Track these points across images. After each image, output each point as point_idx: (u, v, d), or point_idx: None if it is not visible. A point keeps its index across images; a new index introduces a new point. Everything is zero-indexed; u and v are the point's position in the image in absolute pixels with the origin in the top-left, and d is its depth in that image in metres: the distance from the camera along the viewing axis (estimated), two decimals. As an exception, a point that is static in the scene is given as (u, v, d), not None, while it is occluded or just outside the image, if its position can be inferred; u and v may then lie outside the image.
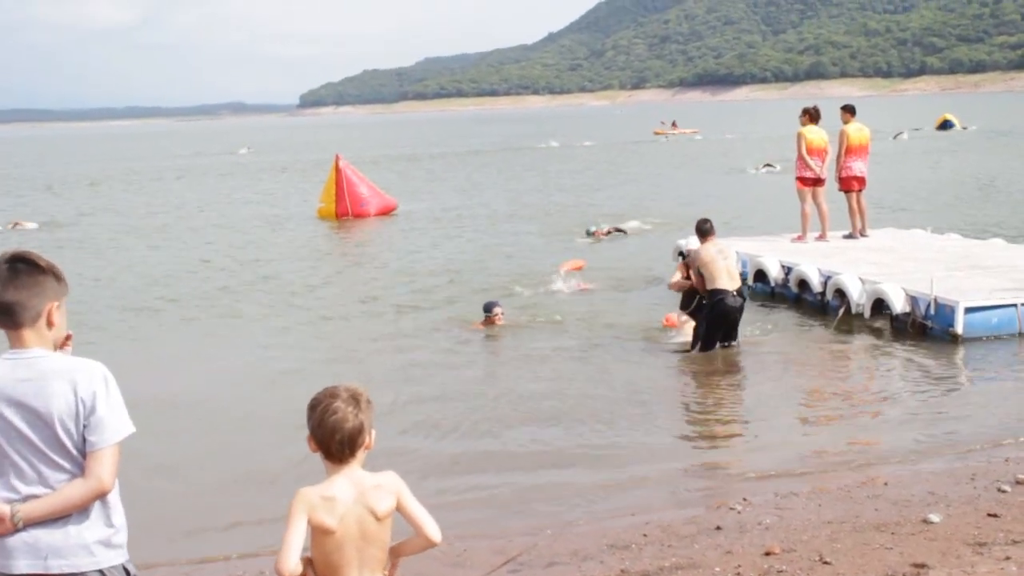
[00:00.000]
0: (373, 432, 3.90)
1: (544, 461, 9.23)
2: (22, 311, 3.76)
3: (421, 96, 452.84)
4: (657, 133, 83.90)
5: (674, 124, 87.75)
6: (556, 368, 12.42)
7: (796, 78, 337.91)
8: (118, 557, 3.81)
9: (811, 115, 17.87)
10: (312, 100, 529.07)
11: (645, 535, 7.48)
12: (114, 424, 3.72)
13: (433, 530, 3.93)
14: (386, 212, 30.71)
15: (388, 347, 13.85)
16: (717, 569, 6.77)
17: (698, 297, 12.85)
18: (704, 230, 12.84)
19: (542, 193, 36.43)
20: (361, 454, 3.90)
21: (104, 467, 3.69)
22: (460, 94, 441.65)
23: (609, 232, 23.85)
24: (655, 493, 8.44)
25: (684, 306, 13.31)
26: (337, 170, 30.09)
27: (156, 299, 18.16)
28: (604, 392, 11.33)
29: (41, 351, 3.78)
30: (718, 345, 12.71)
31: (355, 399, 3.87)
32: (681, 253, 18.25)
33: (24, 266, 3.78)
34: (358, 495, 3.83)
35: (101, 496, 3.73)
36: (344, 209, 29.79)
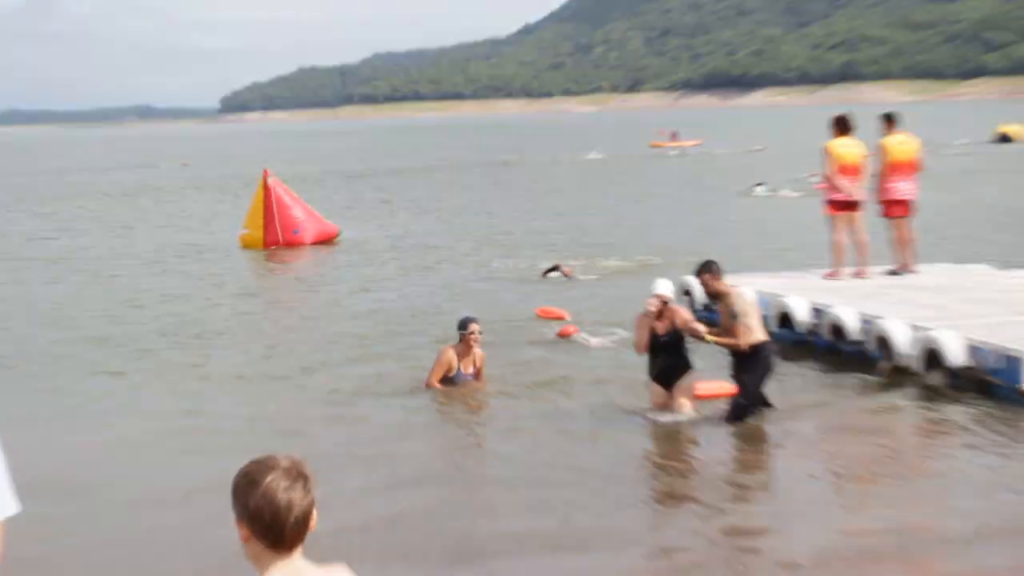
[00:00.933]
0: (315, 512, 3.77)
1: (544, 545, 9.15)
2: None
3: (369, 99, 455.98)
4: (654, 146, 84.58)
5: (674, 135, 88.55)
6: (545, 439, 12.27)
7: (825, 80, 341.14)
8: None
9: (841, 125, 17.89)
10: (236, 104, 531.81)
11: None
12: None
13: None
14: (325, 239, 30.74)
15: (326, 414, 13.64)
16: None
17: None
18: (717, 270, 12.79)
19: (514, 217, 36.52)
20: (304, 540, 3.78)
21: None
22: (417, 97, 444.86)
23: (553, 270, 23.59)
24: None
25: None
26: (265, 188, 30.00)
27: (44, 344, 18.01)
28: (606, 466, 11.21)
29: None
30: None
31: (301, 472, 3.74)
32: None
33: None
34: None
35: None
36: (274, 237, 29.75)
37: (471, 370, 14.22)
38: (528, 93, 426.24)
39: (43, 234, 36.21)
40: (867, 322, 14.91)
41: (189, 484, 10.83)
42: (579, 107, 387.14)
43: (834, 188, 17.76)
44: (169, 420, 13.55)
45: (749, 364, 12.34)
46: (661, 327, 12.47)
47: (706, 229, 31.31)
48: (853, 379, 14.30)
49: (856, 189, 17.73)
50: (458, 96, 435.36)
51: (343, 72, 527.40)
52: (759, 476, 11.14)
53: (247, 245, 30.17)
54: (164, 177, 68.61)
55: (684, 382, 12.65)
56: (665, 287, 12.55)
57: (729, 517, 9.87)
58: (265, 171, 30.78)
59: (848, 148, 17.74)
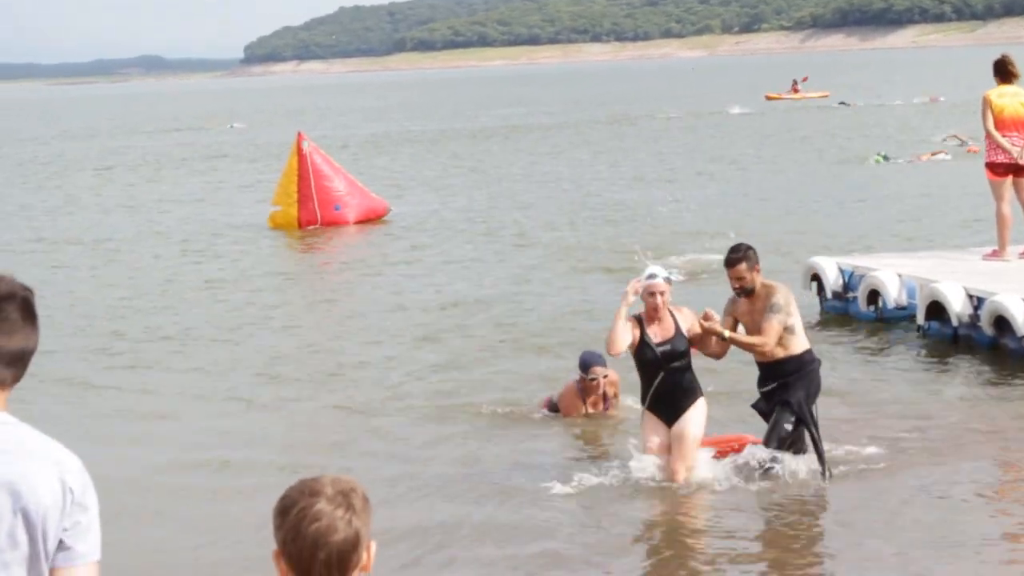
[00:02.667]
0: (373, 546, 3.68)
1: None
2: (24, 365, 3.92)
3: (425, 45, 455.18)
4: (770, 98, 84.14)
5: (795, 86, 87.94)
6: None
7: (990, 14, 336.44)
8: None
9: (1002, 71, 17.68)
10: (262, 53, 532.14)
11: None
12: (97, 533, 3.82)
13: None
14: (372, 218, 30.82)
15: (377, 446, 13.75)
16: None
17: None
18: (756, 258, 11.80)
19: (601, 187, 36.65)
20: None
21: None
22: (483, 42, 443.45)
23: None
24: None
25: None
26: (300, 156, 29.88)
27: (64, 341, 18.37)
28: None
29: (10, 417, 3.85)
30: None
31: (346, 498, 3.64)
32: (815, 278, 18.27)
33: (29, 305, 3.92)
34: None
35: None
36: (310, 215, 29.72)
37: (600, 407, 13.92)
38: (620, 36, 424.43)
39: (42, 210, 36.81)
40: (1039, 313, 14.85)
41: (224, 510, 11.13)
42: (683, 51, 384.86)
43: (995, 147, 17.62)
44: (199, 440, 13.85)
45: (795, 379, 11.31)
46: (657, 331, 11.22)
47: (828, 202, 31.35)
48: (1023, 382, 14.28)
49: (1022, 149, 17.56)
50: (533, 40, 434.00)
51: (393, 12, 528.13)
52: (904, 507, 11.14)
53: (278, 225, 30.27)
54: (192, 146, 69.10)
55: (690, 426, 11.19)
56: (661, 275, 11.39)
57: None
58: (299, 135, 30.71)
59: (1011, 99, 17.56)
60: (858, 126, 56.97)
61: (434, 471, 12.17)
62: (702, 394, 11.31)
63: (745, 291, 11.31)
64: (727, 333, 11.30)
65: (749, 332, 11.40)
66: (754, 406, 11.76)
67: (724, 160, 44.11)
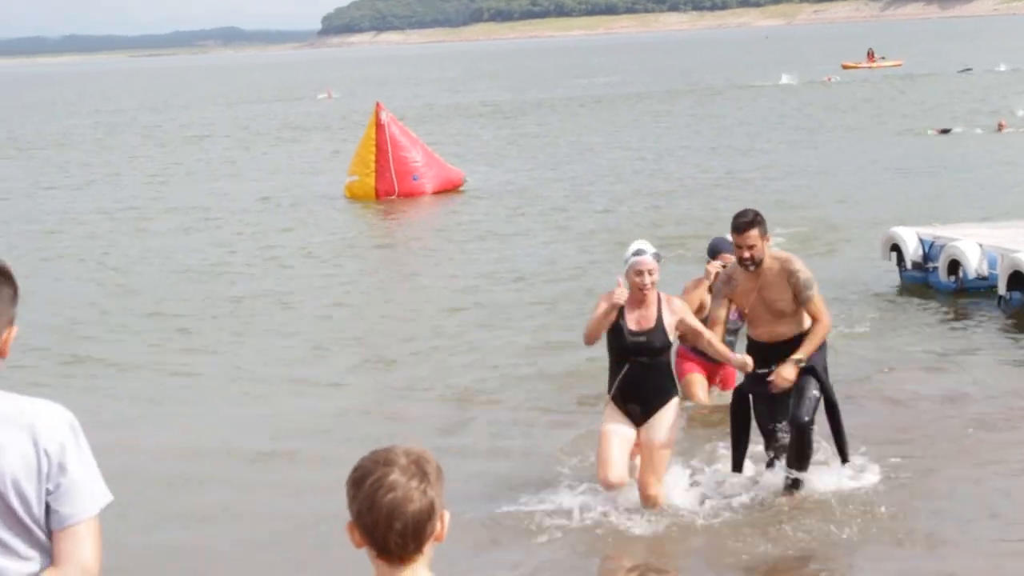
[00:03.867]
0: (446, 515, 3.72)
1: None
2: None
3: (502, 16, 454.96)
4: (847, 67, 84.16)
5: (870, 54, 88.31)
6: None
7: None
8: None
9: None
10: (340, 24, 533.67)
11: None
12: (90, 489, 3.83)
13: None
14: (449, 188, 30.83)
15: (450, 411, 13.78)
16: None
17: None
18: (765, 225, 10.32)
19: (686, 156, 36.49)
20: (429, 549, 3.73)
21: (85, 549, 3.80)
22: (560, 12, 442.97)
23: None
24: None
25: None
26: (378, 127, 29.89)
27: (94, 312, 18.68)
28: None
29: None
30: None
31: (421, 468, 3.68)
32: (894, 248, 18.14)
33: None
34: None
35: None
36: (388, 185, 29.73)
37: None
38: (697, 5, 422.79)
39: (113, 178, 37.19)
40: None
41: (289, 482, 11.20)
42: (761, 20, 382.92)
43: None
44: (263, 408, 13.92)
45: (816, 356, 9.97)
46: (635, 318, 9.78)
47: (896, 172, 31.11)
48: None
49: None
50: (611, 10, 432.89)
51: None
52: (975, 499, 10.98)
53: (355, 195, 30.27)
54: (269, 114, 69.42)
55: (660, 433, 9.73)
56: (649, 251, 9.74)
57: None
58: (377, 105, 30.76)
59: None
60: (932, 96, 56.50)
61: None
62: (676, 394, 9.93)
63: (754, 262, 9.71)
64: (799, 357, 9.73)
65: (752, 311, 9.93)
66: (745, 389, 10.19)
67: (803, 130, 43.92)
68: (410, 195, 29.85)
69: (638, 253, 9.55)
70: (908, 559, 9.20)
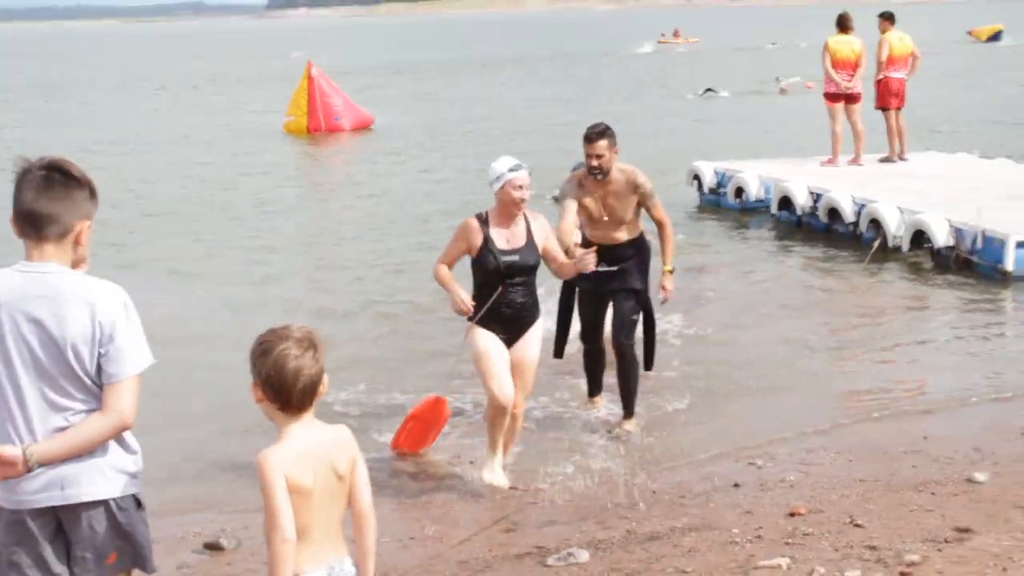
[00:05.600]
0: (326, 378, 3.85)
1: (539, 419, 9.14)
2: (50, 224, 3.83)
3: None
4: (661, 42, 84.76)
5: (676, 33, 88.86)
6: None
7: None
8: (132, 487, 3.97)
9: (841, 23, 17.67)
10: (282, 1, 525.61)
11: (654, 492, 7.43)
12: (134, 354, 3.84)
13: (368, 503, 3.95)
14: (362, 127, 30.74)
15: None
16: (735, 531, 6.73)
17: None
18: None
19: (537, 105, 36.27)
20: (315, 403, 3.87)
21: (124, 400, 3.82)
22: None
23: None
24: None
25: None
26: (309, 79, 30.10)
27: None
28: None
29: (58, 267, 3.84)
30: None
31: (312, 343, 3.81)
32: (696, 177, 18.19)
33: (60, 176, 3.85)
34: (321, 450, 3.83)
35: (122, 431, 3.88)
36: (316, 123, 29.82)
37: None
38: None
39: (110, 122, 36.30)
40: (861, 205, 14.81)
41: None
42: (600, 5, 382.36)
43: (830, 80, 17.60)
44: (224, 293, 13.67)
45: (635, 264, 8.66)
46: (506, 236, 7.38)
47: (699, 122, 31.10)
48: (846, 257, 14.27)
49: (852, 82, 17.51)
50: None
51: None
52: (751, 342, 11.00)
53: (291, 131, 30.22)
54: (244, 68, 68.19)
55: (531, 349, 7.55)
56: (523, 166, 7.42)
57: (717, 380, 9.87)
58: (309, 62, 30.91)
59: (845, 44, 17.48)
60: (714, 66, 56.69)
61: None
62: (540, 314, 7.63)
63: (602, 171, 8.28)
64: (670, 268, 8.59)
65: (600, 215, 8.48)
66: (575, 284, 8.60)
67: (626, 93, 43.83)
68: (333, 131, 29.87)
69: (515, 169, 7.25)
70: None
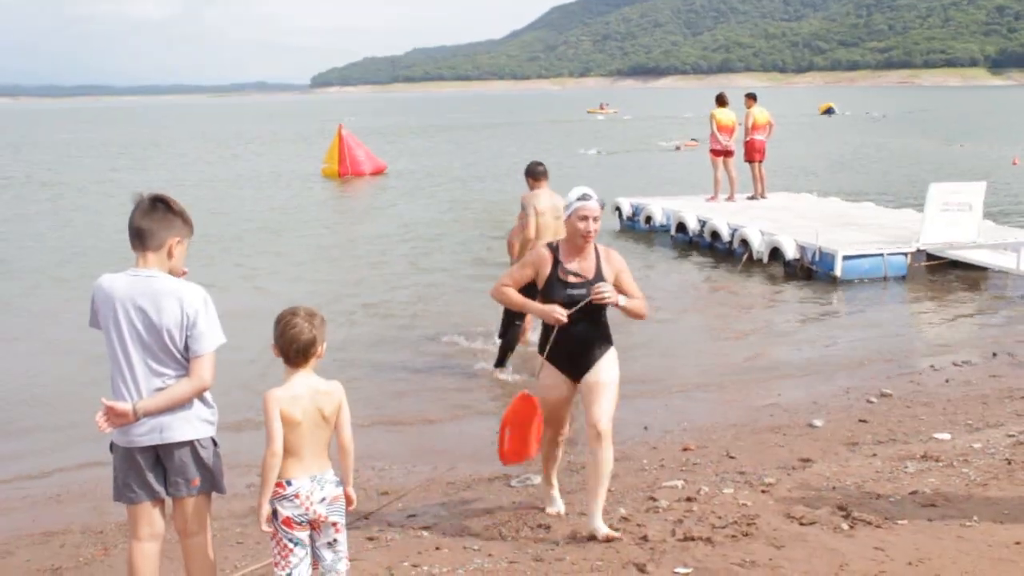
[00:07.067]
0: (324, 345, 3.93)
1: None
2: (150, 237, 3.84)
3: (411, 79, 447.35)
4: (590, 112, 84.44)
5: (602, 106, 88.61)
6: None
7: (710, 71, 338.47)
8: (211, 431, 3.97)
9: (721, 100, 17.69)
10: (321, 81, 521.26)
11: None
12: (212, 335, 3.84)
13: (348, 436, 3.96)
14: (378, 172, 30.28)
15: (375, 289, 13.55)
16: (645, 461, 6.70)
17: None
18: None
19: (506, 156, 36.11)
20: (314, 361, 3.91)
21: (204, 369, 3.82)
22: (441, 78, 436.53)
23: None
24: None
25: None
26: (340, 137, 29.89)
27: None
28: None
29: (158, 272, 3.84)
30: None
31: (311, 316, 3.90)
32: (617, 209, 18.11)
33: (162, 204, 3.87)
34: (312, 395, 3.87)
35: (203, 391, 3.87)
36: (345, 169, 29.46)
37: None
38: (514, 77, 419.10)
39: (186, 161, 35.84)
40: (734, 229, 14.80)
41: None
42: (547, 86, 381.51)
43: (716, 141, 17.59)
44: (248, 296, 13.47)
45: None
46: (576, 269, 5.18)
47: (619, 168, 30.99)
48: (724, 266, 14.24)
49: (729, 141, 17.55)
50: (468, 78, 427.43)
51: (393, 60, 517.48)
52: (650, 327, 10.94)
53: (326, 175, 29.74)
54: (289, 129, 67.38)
55: (604, 373, 5.20)
56: (594, 196, 5.18)
57: (626, 352, 9.82)
58: (340, 125, 30.62)
59: (725, 115, 17.51)
60: (627, 131, 56.61)
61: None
62: (612, 344, 5.27)
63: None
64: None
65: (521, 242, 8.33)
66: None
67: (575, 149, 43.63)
68: (357, 175, 29.40)
69: (583, 198, 5.10)
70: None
